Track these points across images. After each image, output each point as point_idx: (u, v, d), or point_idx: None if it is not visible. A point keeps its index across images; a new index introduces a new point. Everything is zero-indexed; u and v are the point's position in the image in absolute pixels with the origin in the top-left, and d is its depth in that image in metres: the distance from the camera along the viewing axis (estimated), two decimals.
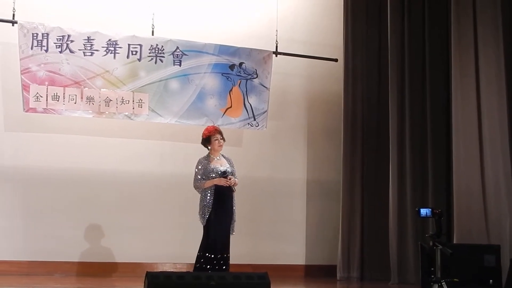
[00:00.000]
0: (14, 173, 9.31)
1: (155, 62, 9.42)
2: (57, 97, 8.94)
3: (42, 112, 8.91)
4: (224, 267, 7.75)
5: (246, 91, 9.83)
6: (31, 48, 8.82)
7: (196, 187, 7.94)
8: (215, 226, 7.79)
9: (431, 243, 7.06)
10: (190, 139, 9.52)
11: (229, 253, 7.85)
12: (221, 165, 7.99)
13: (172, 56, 9.48)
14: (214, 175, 7.91)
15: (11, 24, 8.86)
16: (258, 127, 9.92)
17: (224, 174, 7.83)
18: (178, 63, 9.53)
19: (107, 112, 9.19)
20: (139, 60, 9.33)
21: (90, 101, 9.09)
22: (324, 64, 10.61)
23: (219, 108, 9.71)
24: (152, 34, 9.39)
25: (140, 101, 9.30)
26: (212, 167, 7.94)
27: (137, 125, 9.66)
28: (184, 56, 9.52)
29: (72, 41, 9.01)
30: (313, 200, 10.72)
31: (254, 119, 9.86)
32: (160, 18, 9.50)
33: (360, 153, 10.12)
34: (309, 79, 10.87)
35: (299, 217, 10.64)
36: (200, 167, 7.96)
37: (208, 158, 8.05)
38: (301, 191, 10.72)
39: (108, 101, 9.16)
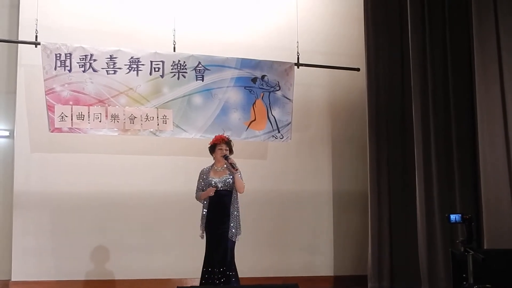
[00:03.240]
0: (41, 194, 9.36)
1: (178, 78, 9.42)
2: (82, 116, 8.97)
3: (68, 132, 8.93)
4: (228, 282, 7.52)
5: (270, 104, 9.80)
6: (55, 69, 8.88)
7: (196, 198, 7.93)
8: (211, 239, 7.68)
9: (462, 249, 6.96)
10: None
11: (231, 267, 7.60)
12: (220, 176, 7.87)
13: (194, 71, 9.49)
14: (210, 186, 7.82)
15: (34, 45, 8.92)
16: (282, 139, 9.87)
17: (218, 187, 7.79)
18: (201, 78, 9.53)
19: (132, 129, 9.19)
20: (162, 76, 9.35)
21: (114, 119, 9.11)
22: (346, 73, 10.58)
23: (243, 121, 9.70)
24: (174, 50, 9.40)
25: (165, 117, 9.30)
26: (210, 179, 7.85)
27: (162, 141, 9.66)
28: (206, 71, 9.52)
29: (95, 60, 9.04)
30: (340, 210, 10.67)
31: (279, 131, 9.82)
32: (181, 34, 9.52)
33: (386, 162, 10.01)
34: (331, 89, 10.84)
35: (327, 228, 10.61)
36: (199, 178, 7.93)
37: (210, 168, 7.97)
38: (328, 201, 10.67)
39: (132, 118, 9.17)
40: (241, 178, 7.87)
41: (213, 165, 7.98)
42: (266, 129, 9.79)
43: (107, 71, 9.14)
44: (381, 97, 10.14)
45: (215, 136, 8.21)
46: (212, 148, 8.02)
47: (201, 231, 7.78)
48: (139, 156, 9.79)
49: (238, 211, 7.80)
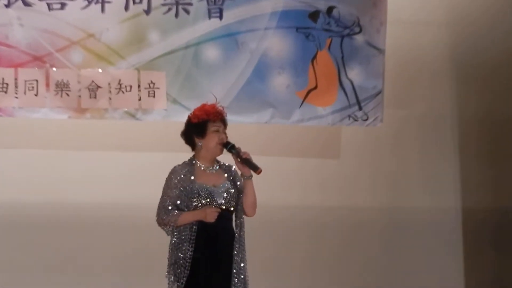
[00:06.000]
0: None
1: (176, 15, 6.77)
2: (5, 85, 6.51)
3: None
4: None
5: (343, 58, 7.01)
6: None
7: (161, 223, 5.06)
8: None
9: None
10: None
11: None
12: (215, 182, 5.06)
13: (205, 2, 6.79)
14: (198, 202, 4.94)
15: None
16: (367, 122, 7.15)
17: (219, 204, 5.04)
18: (217, 15, 6.87)
19: (93, 109, 6.69)
20: (147, 12, 6.75)
21: (62, 90, 6.56)
22: (482, 4, 7.67)
23: (294, 90, 6.94)
24: None
25: (152, 85, 6.68)
26: (197, 186, 5.00)
27: (147, 128, 7.07)
28: (226, 1, 6.87)
29: None
30: (476, 243, 7.90)
31: (360, 108, 7.06)
32: None
33: None
34: (457, 32, 7.82)
35: (453, 272, 7.83)
36: (173, 184, 5.04)
37: (191, 167, 5.09)
38: (452, 227, 7.87)
39: (94, 89, 6.62)
40: None
41: (194, 160, 5.06)
42: (337, 103, 7.05)
43: (48, 4, 6.62)
44: None
45: (202, 105, 5.14)
46: (200, 129, 4.99)
47: (173, 285, 4.99)
48: (110, 153, 7.33)
49: (245, 254, 5.17)
